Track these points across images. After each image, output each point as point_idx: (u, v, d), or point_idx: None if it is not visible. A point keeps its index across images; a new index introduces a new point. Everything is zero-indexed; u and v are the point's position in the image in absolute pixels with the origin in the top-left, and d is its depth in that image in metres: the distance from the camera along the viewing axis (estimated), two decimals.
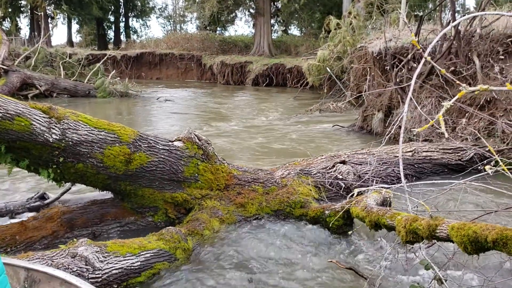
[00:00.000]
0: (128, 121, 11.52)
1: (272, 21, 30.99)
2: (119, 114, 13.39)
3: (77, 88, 16.39)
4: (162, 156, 3.96)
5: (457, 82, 1.40)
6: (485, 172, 2.20)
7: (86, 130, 3.60)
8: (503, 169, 2.18)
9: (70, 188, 4.38)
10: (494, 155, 2.38)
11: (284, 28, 35.09)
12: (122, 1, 37.61)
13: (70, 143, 3.49)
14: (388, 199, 3.93)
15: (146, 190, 3.95)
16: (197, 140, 4.24)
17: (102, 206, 4.07)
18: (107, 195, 4.18)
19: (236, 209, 4.18)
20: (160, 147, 3.99)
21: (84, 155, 3.57)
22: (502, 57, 6.93)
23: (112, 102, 15.54)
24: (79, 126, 3.58)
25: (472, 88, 1.34)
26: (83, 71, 18.74)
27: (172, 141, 4.17)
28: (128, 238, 3.54)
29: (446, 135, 1.50)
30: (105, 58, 20.40)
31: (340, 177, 4.95)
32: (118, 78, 18.06)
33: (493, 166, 2.28)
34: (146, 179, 3.91)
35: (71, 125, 3.52)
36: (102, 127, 3.71)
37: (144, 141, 3.91)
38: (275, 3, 30.18)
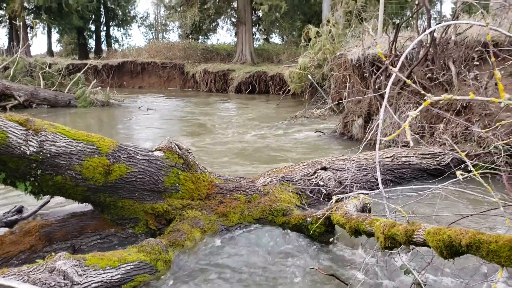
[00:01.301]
0: (109, 131, 11.41)
1: (254, 29, 31.15)
2: (100, 124, 13.25)
3: (57, 98, 16.18)
4: (142, 166, 3.94)
5: (422, 92, 1.45)
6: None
7: (65, 142, 3.56)
8: (475, 174, 2.25)
9: (48, 201, 4.32)
10: (467, 161, 2.45)
11: (266, 36, 35.30)
12: (103, 10, 37.33)
13: (48, 155, 3.44)
14: (368, 205, 3.98)
15: (126, 201, 3.92)
16: (178, 150, 4.23)
17: (81, 218, 4.02)
18: (87, 207, 4.12)
19: (218, 219, 4.18)
20: (140, 158, 3.96)
21: (62, 167, 3.53)
22: (477, 63, 7.10)
23: (93, 112, 15.38)
24: (57, 138, 3.54)
25: (437, 98, 1.39)
26: (64, 81, 18.47)
27: (152, 151, 4.15)
28: (108, 250, 3.50)
29: (411, 143, 1.54)
30: (86, 67, 20.23)
31: (322, 183, 4.99)
32: (100, 88, 17.88)
33: (467, 171, 2.35)
34: (126, 190, 3.88)
35: (49, 137, 3.48)
36: (80, 139, 3.67)
37: (123, 151, 3.88)
38: (256, 12, 30.33)
